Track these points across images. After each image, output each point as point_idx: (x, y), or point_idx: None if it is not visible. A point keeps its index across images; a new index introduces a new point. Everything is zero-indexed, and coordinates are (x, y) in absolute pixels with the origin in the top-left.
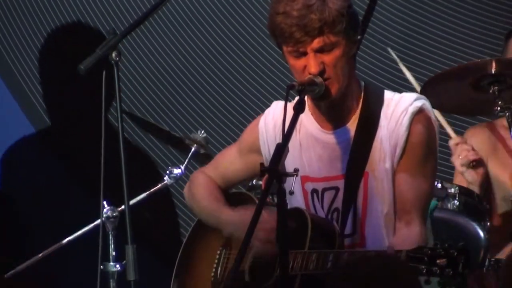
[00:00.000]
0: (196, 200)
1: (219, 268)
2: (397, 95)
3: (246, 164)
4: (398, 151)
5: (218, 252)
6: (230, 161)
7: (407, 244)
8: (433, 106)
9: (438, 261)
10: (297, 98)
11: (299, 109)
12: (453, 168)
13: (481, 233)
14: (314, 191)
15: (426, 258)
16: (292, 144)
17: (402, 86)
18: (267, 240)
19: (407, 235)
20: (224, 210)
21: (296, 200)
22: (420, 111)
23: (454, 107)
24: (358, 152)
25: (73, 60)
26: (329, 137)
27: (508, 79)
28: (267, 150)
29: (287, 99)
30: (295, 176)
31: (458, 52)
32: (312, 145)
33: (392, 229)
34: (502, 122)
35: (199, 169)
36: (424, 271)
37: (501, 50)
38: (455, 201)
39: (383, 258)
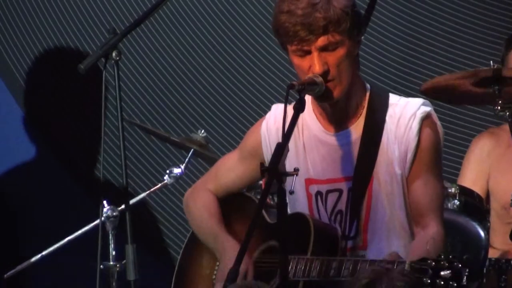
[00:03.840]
0: (195, 224)
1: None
2: (402, 99)
3: (247, 170)
4: (410, 156)
5: None
6: (230, 169)
7: (423, 246)
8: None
9: (442, 273)
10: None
11: (299, 108)
12: (453, 168)
13: (481, 233)
14: (318, 193)
15: (430, 270)
16: (296, 146)
17: (402, 85)
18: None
19: (424, 237)
20: (221, 238)
21: (300, 203)
22: (428, 116)
23: (456, 98)
24: (365, 155)
25: (73, 60)
26: (332, 139)
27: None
28: (270, 154)
29: (287, 99)
30: (295, 175)
31: (459, 52)
32: (315, 147)
33: (397, 233)
34: (508, 127)
35: (199, 181)
36: (428, 283)
37: (501, 55)
38: (455, 201)
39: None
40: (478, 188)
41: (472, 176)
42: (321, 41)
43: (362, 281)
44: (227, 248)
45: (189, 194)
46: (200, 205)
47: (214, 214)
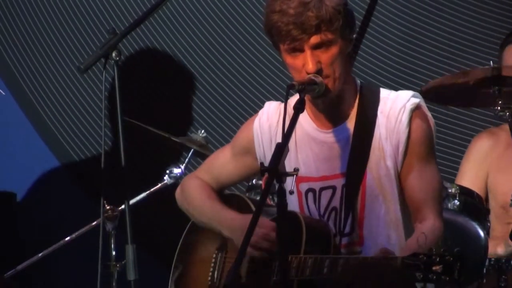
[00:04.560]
0: (194, 205)
1: (216, 272)
2: (393, 93)
3: (240, 166)
4: (401, 149)
5: (214, 255)
6: (223, 164)
7: (420, 239)
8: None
9: (434, 268)
10: (292, 97)
11: (299, 108)
12: (453, 168)
13: (481, 233)
14: (310, 191)
15: (422, 265)
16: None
17: (402, 85)
18: (258, 246)
19: (420, 230)
20: (225, 213)
21: (290, 201)
22: (417, 108)
23: (455, 97)
24: (358, 151)
25: (73, 60)
26: (326, 136)
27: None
28: (262, 152)
29: (287, 99)
30: (295, 175)
31: (459, 52)
32: (308, 144)
33: (393, 228)
34: (507, 127)
35: (189, 174)
36: (420, 278)
37: (498, 54)
38: (455, 201)
39: (379, 265)
40: (476, 187)
41: (470, 175)
42: (314, 40)
43: (348, 277)
44: (233, 226)
45: (181, 186)
46: (197, 190)
47: (212, 196)
